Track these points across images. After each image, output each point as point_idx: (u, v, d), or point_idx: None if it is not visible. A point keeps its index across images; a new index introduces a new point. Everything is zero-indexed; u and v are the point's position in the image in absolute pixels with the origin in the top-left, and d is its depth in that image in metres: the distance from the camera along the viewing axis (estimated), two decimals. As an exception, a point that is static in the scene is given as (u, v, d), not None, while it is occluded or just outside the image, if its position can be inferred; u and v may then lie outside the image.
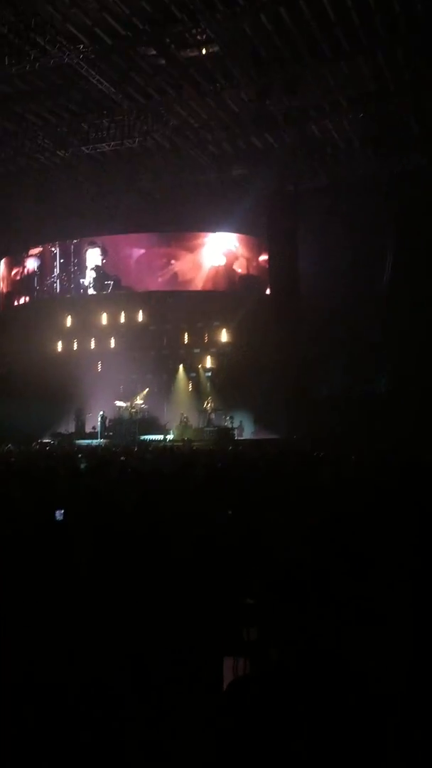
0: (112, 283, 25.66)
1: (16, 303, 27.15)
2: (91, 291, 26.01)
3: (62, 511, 5.07)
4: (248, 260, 25.41)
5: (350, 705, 2.42)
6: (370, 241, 20.38)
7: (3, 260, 27.22)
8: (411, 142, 18.68)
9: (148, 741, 2.61)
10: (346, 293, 20.35)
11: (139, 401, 23.35)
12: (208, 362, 25.16)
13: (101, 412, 22.62)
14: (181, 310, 25.04)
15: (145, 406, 23.42)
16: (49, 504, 5.33)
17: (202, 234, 25.09)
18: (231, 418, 22.55)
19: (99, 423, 22.50)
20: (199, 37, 13.95)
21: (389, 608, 3.06)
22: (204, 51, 14.43)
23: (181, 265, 25.51)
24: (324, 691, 2.50)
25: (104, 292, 25.72)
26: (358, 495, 5.73)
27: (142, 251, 25.85)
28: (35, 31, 13.44)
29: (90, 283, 25.96)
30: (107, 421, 22.62)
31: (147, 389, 24.27)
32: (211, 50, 14.42)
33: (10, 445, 17.68)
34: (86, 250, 25.90)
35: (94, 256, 25.86)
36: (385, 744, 2.30)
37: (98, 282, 25.73)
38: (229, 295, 24.84)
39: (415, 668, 2.62)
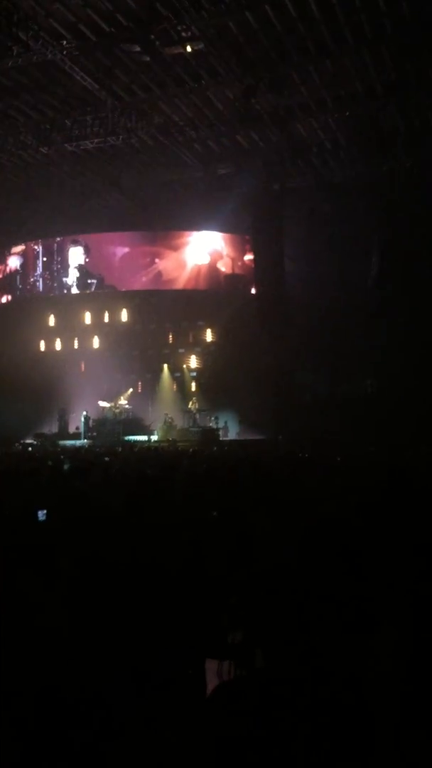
0: (95, 282, 25.53)
1: (-2, 302, 26.95)
2: (74, 290, 25.84)
3: (44, 512, 5.00)
4: (233, 259, 25.36)
5: (343, 707, 2.36)
6: (357, 241, 20.36)
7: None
8: (397, 142, 18.66)
9: (140, 743, 2.55)
10: (332, 293, 20.34)
11: (122, 401, 23.23)
12: (193, 362, 25.09)
13: (84, 413, 22.45)
14: (166, 309, 24.95)
15: (129, 407, 23.30)
16: (31, 504, 5.24)
17: (187, 233, 25.01)
18: (216, 418, 22.48)
19: (82, 423, 22.33)
20: (184, 34, 13.82)
21: (382, 610, 2.99)
22: (189, 48, 14.30)
23: (165, 263, 25.41)
24: (316, 694, 2.43)
25: (87, 291, 25.57)
26: (346, 496, 5.67)
27: (126, 250, 25.73)
28: (17, 27, 13.23)
29: (73, 282, 25.79)
30: (90, 421, 22.46)
31: (131, 389, 24.17)
32: (196, 48, 14.29)
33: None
34: (69, 249, 25.74)
35: (76, 255, 25.70)
36: (382, 745, 2.25)
37: (81, 281, 25.58)
38: (213, 294, 24.77)
39: (410, 671, 2.56)
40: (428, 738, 2.26)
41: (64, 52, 14.21)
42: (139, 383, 25.07)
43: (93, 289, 25.57)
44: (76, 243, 25.57)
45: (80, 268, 25.62)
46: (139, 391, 24.66)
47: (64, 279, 26.00)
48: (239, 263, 25.30)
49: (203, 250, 25.05)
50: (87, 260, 25.66)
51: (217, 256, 25.28)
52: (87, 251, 25.62)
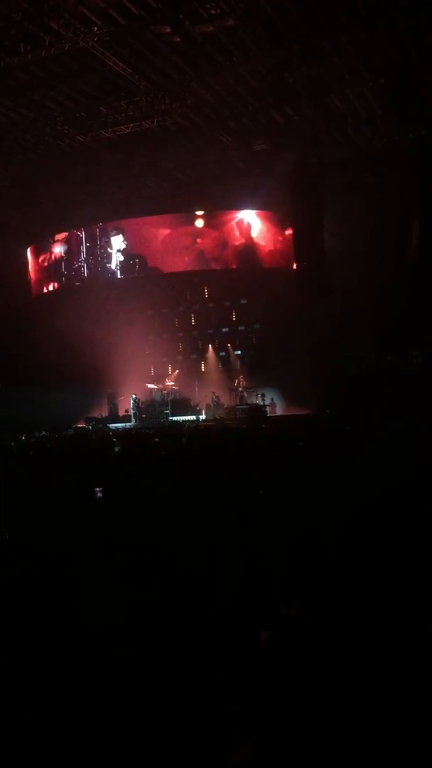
0: (137, 262, 25.53)
1: (45, 290, 27.36)
2: (118, 275, 26.05)
3: (101, 489, 5.29)
4: (273, 236, 25.23)
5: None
6: (397, 211, 20.05)
7: (29, 248, 27.41)
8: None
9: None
10: (373, 264, 20.10)
11: (170, 383, 23.52)
12: (238, 340, 25.20)
13: (133, 395, 22.79)
14: (208, 289, 25.07)
15: (176, 387, 23.57)
16: (88, 484, 5.50)
17: (227, 212, 24.96)
18: (263, 395, 22.57)
19: (132, 406, 22.69)
20: (213, 12, 13.72)
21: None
22: (219, 25, 14.22)
23: (207, 243, 25.43)
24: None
25: (131, 276, 25.72)
26: (396, 471, 5.68)
27: (167, 231, 25.79)
28: (48, 16, 13.37)
29: (117, 267, 26.00)
30: (140, 403, 22.80)
31: (177, 370, 24.44)
32: (226, 24, 14.20)
33: (45, 432, 17.91)
34: (110, 236, 25.87)
35: (118, 242, 25.85)
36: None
37: (124, 264, 25.73)
38: (255, 271, 24.72)
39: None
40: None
41: (96, 39, 14.23)
42: (185, 364, 25.31)
43: (136, 270, 25.65)
44: (115, 230, 25.72)
45: (122, 252, 25.79)
46: (186, 371, 24.90)
47: (108, 264, 26.21)
48: (280, 239, 25.17)
49: (244, 228, 25.00)
50: (127, 244, 25.79)
51: (257, 234, 25.19)
52: (127, 236, 25.74)
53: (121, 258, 25.78)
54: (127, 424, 21.53)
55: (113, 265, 26.07)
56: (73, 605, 3.17)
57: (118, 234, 25.73)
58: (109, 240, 25.94)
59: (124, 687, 2.62)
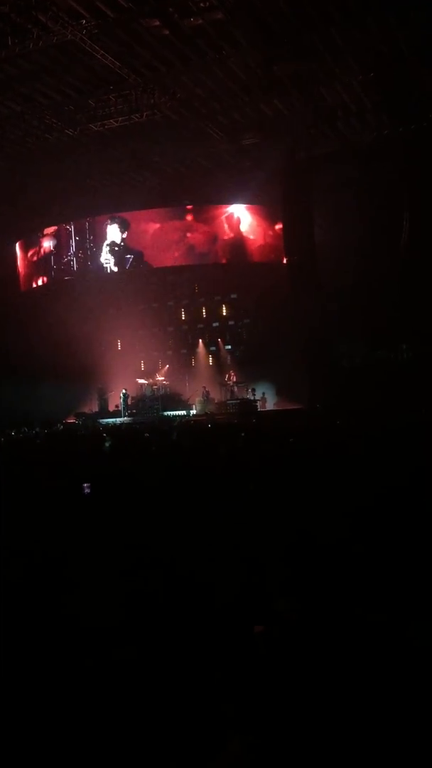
0: (131, 257, 25.43)
1: (34, 284, 27.21)
2: (108, 268, 25.91)
3: (89, 485, 5.25)
4: (264, 230, 25.20)
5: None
6: (386, 205, 20.03)
7: (18, 243, 27.23)
8: (424, 102, 18.25)
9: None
10: (363, 259, 20.09)
11: (160, 377, 23.48)
12: (228, 335, 25.17)
13: (123, 390, 22.73)
14: (199, 283, 25.03)
15: (167, 382, 23.53)
16: (76, 480, 5.46)
17: (217, 206, 24.91)
18: (253, 390, 22.55)
19: (121, 401, 22.62)
20: (202, 4, 13.64)
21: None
22: (208, 18, 14.14)
23: (197, 237, 25.37)
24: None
25: (123, 269, 25.59)
26: (392, 469, 5.65)
27: (157, 226, 25.71)
28: (36, 9, 13.25)
29: (106, 260, 25.85)
30: (129, 398, 22.74)
31: (167, 365, 24.40)
32: (215, 17, 14.13)
33: (36, 428, 17.84)
34: (106, 227, 25.68)
35: (113, 233, 25.66)
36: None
37: (118, 257, 25.56)
38: (245, 266, 24.70)
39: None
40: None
41: (84, 32, 14.14)
42: (176, 359, 25.28)
43: (129, 264, 25.53)
44: (113, 220, 25.52)
45: (114, 244, 25.60)
46: (176, 366, 24.87)
47: (99, 258, 26.00)
48: (270, 233, 25.14)
49: (234, 223, 24.96)
50: (124, 237, 25.62)
51: (247, 228, 25.15)
52: (123, 228, 25.58)
53: (113, 250, 25.61)
54: (117, 420, 21.47)
55: (102, 259, 25.94)
56: (71, 605, 3.15)
57: (114, 223, 25.51)
58: (105, 232, 25.68)
59: (122, 686, 2.61)
